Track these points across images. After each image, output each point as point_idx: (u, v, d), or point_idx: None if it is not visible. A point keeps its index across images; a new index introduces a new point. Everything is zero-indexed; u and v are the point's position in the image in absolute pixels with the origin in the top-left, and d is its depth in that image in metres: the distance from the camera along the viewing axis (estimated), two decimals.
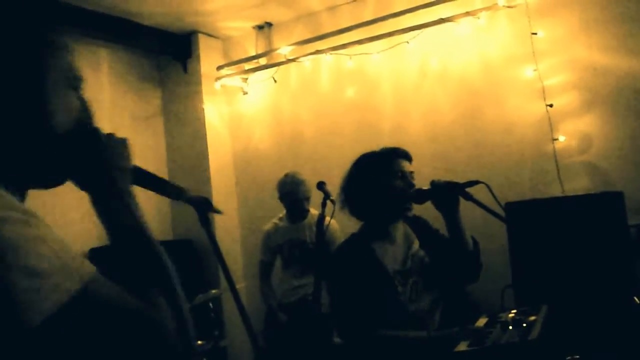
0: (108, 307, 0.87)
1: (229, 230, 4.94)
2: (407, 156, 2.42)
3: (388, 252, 2.32)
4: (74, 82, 1.10)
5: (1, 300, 0.79)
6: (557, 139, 3.72)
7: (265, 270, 4.16)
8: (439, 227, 2.49)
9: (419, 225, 2.48)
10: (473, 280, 2.45)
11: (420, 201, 2.35)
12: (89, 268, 0.88)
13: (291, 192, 3.95)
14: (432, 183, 2.36)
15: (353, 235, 2.39)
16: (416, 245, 2.40)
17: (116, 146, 1.16)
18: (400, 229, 2.42)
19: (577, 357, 1.84)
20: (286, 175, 4.01)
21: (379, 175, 2.34)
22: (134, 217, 1.08)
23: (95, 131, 1.16)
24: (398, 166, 2.36)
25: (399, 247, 2.38)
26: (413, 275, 2.31)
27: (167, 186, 1.35)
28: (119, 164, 1.13)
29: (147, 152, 4.91)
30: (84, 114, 1.15)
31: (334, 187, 2.57)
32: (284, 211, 4.08)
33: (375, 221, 2.37)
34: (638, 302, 2.46)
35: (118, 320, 0.87)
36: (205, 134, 4.89)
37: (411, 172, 2.38)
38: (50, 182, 1.08)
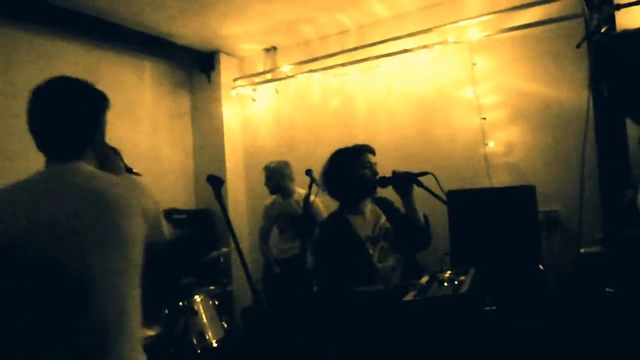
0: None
1: (239, 204, 4.91)
2: (372, 151, 2.42)
3: (360, 223, 2.30)
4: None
5: None
6: (487, 144, 3.72)
7: (264, 234, 4.15)
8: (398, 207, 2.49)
9: (385, 204, 2.46)
10: (424, 248, 2.44)
11: (383, 185, 2.34)
12: None
13: (270, 177, 4.01)
14: (393, 172, 2.35)
15: (333, 211, 2.39)
16: (382, 219, 2.39)
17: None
18: (369, 207, 2.40)
19: (494, 307, 1.85)
20: (266, 166, 4.04)
21: (351, 166, 2.33)
22: None
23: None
24: (366, 159, 2.35)
25: (369, 220, 2.36)
26: (380, 241, 2.30)
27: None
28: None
29: (178, 142, 4.85)
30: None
31: (319, 173, 2.55)
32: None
33: (349, 200, 2.36)
34: (542, 268, 2.48)
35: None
36: (223, 130, 4.83)
37: (375, 163, 2.38)
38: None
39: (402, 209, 2.40)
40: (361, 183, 2.31)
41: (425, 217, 2.43)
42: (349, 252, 2.18)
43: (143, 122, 4.47)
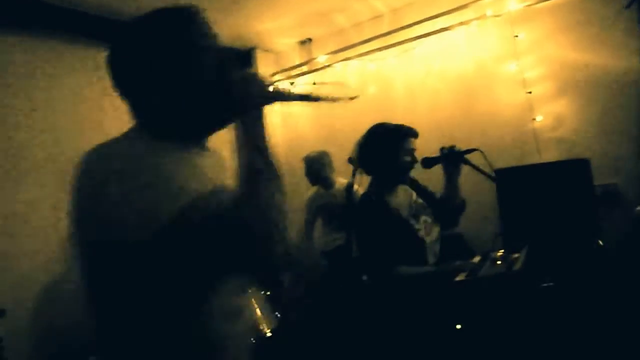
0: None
1: None
2: (415, 134, 2.31)
3: (398, 202, 2.25)
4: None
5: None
6: (535, 119, 3.58)
7: (308, 227, 4.16)
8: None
9: (412, 182, 2.40)
10: (451, 226, 2.40)
11: (430, 166, 2.28)
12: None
13: (310, 167, 4.06)
14: (441, 150, 2.29)
15: (366, 191, 2.30)
16: (414, 195, 2.34)
17: (250, 83, 1.08)
18: (402, 186, 2.34)
19: (551, 284, 1.78)
20: (305, 157, 4.09)
21: (391, 150, 2.24)
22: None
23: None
24: (408, 144, 2.25)
25: (404, 198, 2.31)
26: (421, 215, 2.25)
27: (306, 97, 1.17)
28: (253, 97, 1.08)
29: (220, 142, 4.90)
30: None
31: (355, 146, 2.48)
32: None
33: (383, 180, 2.29)
34: (601, 243, 2.37)
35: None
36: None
37: (415, 149, 2.29)
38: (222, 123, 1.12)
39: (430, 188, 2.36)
40: (400, 170, 2.24)
41: (463, 200, 2.36)
42: (394, 231, 2.13)
43: None
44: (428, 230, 2.21)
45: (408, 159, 2.24)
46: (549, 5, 3.48)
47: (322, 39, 4.72)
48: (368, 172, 2.33)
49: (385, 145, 2.24)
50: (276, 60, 5.08)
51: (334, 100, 1.15)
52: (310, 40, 4.80)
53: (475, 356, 1.77)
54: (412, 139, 2.28)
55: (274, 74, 4.93)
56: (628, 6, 3.00)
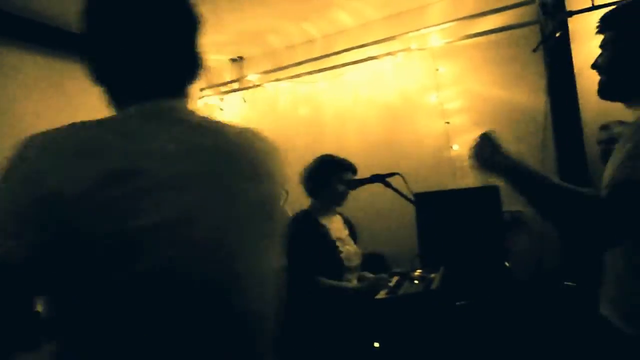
0: None
1: None
2: (355, 171, 2.57)
3: (330, 225, 2.39)
4: None
5: None
6: (452, 147, 3.80)
7: None
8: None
9: (348, 220, 2.58)
10: None
11: (355, 187, 2.42)
12: None
13: None
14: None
15: (303, 210, 2.47)
16: (347, 229, 2.49)
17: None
18: (336, 212, 2.52)
19: (464, 302, 1.88)
20: None
21: (332, 176, 2.43)
22: None
23: None
24: (347, 176, 2.45)
25: (337, 225, 2.44)
26: (348, 242, 2.36)
27: None
28: None
29: None
30: None
31: (289, 183, 2.58)
32: None
33: (322, 203, 2.45)
34: (508, 265, 2.54)
35: None
36: None
37: (351, 182, 2.51)
38: None
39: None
40: (335, 196, 2.43)
41: None
42: (319, 246, 2.25)
43: None
44: (350, 258, 2.34)
45: (343, 188, 2.42)
46: (469, 43, 3.74)
47: (255, 58, 4.74)
48: (309, 195, 2.50)
49: (327, 174, 2.42)
50: (206, 75, 5.02)
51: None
52: (242, 58, 4.80)
53: None
54: (350, 174, 2.47)
55: (202, 89, 4.86)
56: (535, 49, 3.29)
